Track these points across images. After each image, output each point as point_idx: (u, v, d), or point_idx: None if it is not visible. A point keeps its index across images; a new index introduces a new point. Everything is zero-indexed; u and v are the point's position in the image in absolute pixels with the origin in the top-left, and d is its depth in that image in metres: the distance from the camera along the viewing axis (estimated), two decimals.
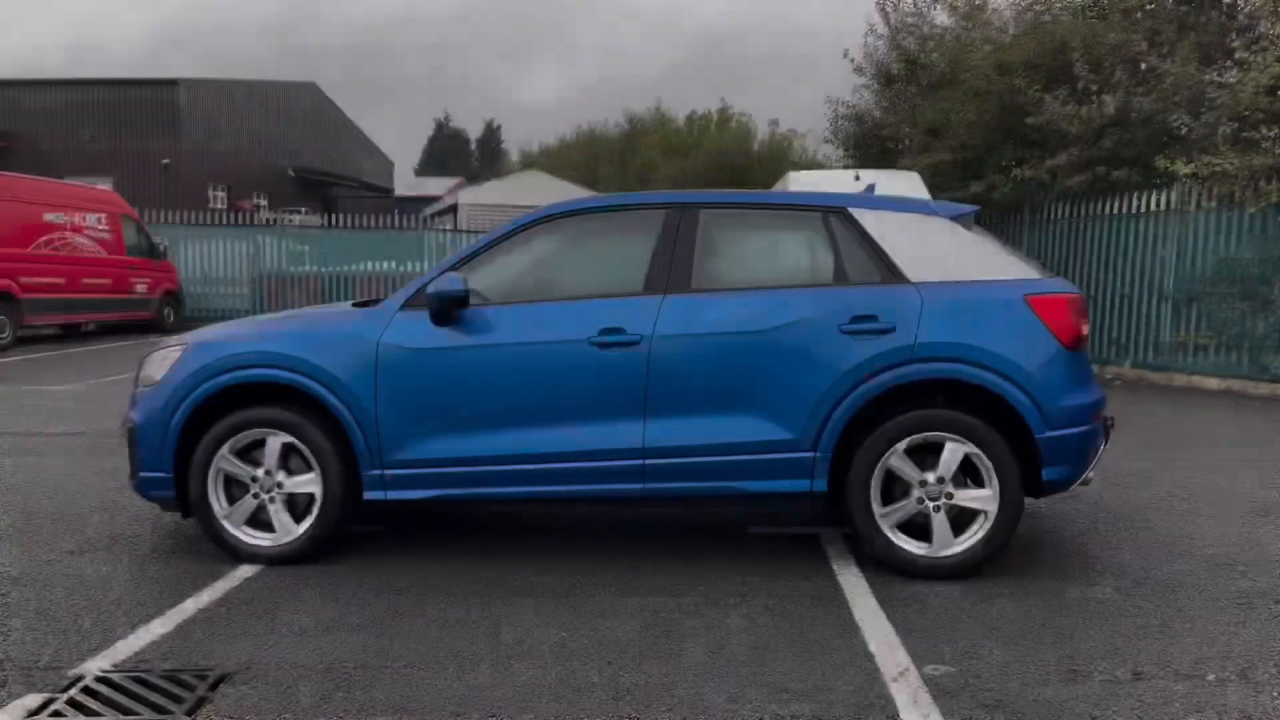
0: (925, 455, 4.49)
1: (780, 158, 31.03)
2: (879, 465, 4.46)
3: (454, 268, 4.71)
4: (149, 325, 19.03)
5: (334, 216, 22.07)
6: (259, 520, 4.68)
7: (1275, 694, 3.26)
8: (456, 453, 4.54)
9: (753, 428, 4.47)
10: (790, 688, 3.30)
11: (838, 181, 14.08)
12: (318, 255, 21.82)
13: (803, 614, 4.02)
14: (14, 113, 36.81)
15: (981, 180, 15.78)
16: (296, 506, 4.68)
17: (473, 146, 76.45)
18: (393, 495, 4.60)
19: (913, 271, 4.56)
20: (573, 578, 4.48)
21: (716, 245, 4.73)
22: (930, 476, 4.46)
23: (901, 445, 4.44)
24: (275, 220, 29.94)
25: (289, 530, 4.64)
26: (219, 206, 38.49)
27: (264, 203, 41.81)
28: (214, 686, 3.30)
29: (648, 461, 4.50)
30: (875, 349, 4.42)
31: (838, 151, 20.73)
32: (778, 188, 14.49)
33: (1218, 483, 6.47)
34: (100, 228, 17.73)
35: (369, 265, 21.36)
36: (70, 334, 18.45)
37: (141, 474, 4.70)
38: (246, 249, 21.42)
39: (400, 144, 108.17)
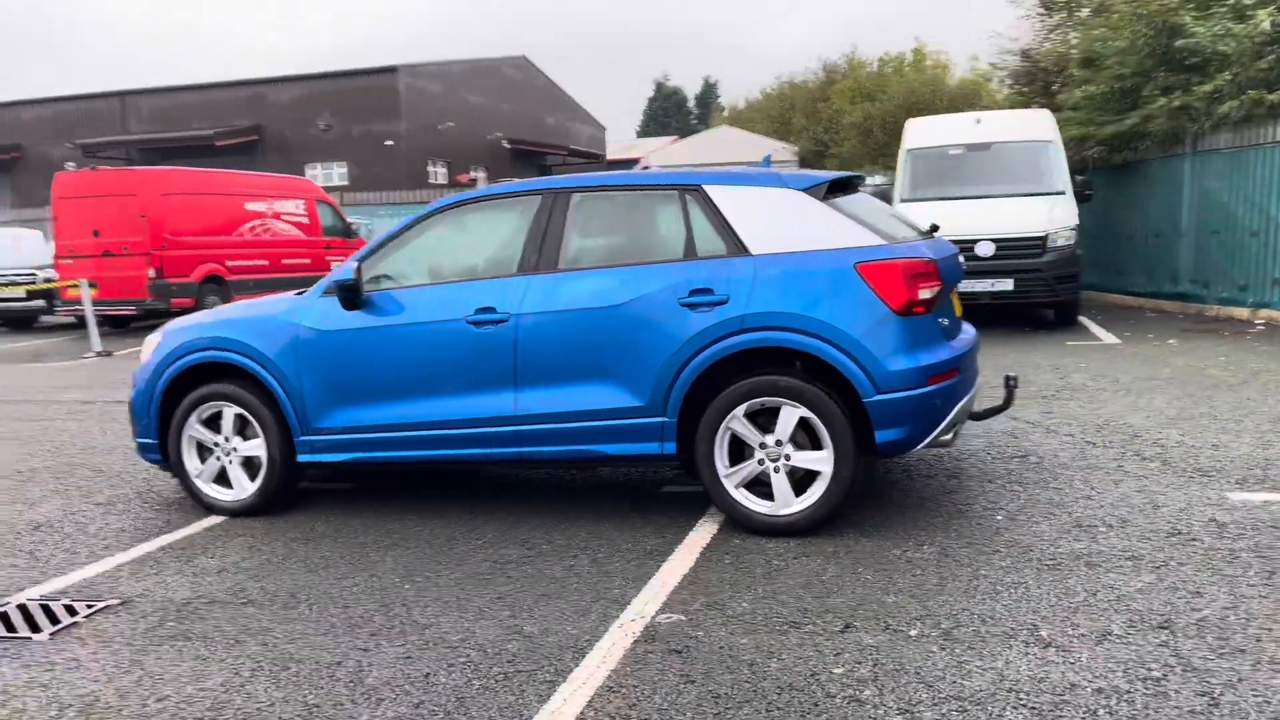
0: (771, 418, 4.72)
1: (973, 96, 29.60)
2: (721, 429, 4.73)
3: (367, 255, 5.36)
4: None
5: None
6: (224, 478, 5.57)
7: (957, 651, 3.37)
8: (362, 421, 5.22)
9: (607, 395, 4.86)
10: (525, 630, 3.75)
11: (956, 126, 13.66)
12: None
13: (619, 566, 4.41)
14: (263, 108, 41.01)
15: (1137, 111, 14.71)
16: (253, 467, 5.52)
17: (690, 104, 77.16)
18: (319, 458, 5.35)
19: (755, 244, 4.77)
20: (461, 529, 5.07)
21: (584, 226, 5.11)
22: (770, 439, 4.69)
23: (740, 410, 4.70)
24: None
25: (244, 487, 5.50)
26: (439, 182, 41.25)
27: (482, 175, 44.35)
28: (92, 613, 4.15)
29: (520, 428, 4.99)
30: (710, 320, 4.68)
31: (1002, 88, 19.73)
32: (904, 137, 14.15)
33: (1210, 440, 6.13)
34: (298, 213, 19.78)
35: None
36: None
37: (138, 440, 5.71)
38: None
39: (621, 107, 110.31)
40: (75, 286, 16.96)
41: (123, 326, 17.90)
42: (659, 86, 78.03)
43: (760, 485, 4.77)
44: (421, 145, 40.89)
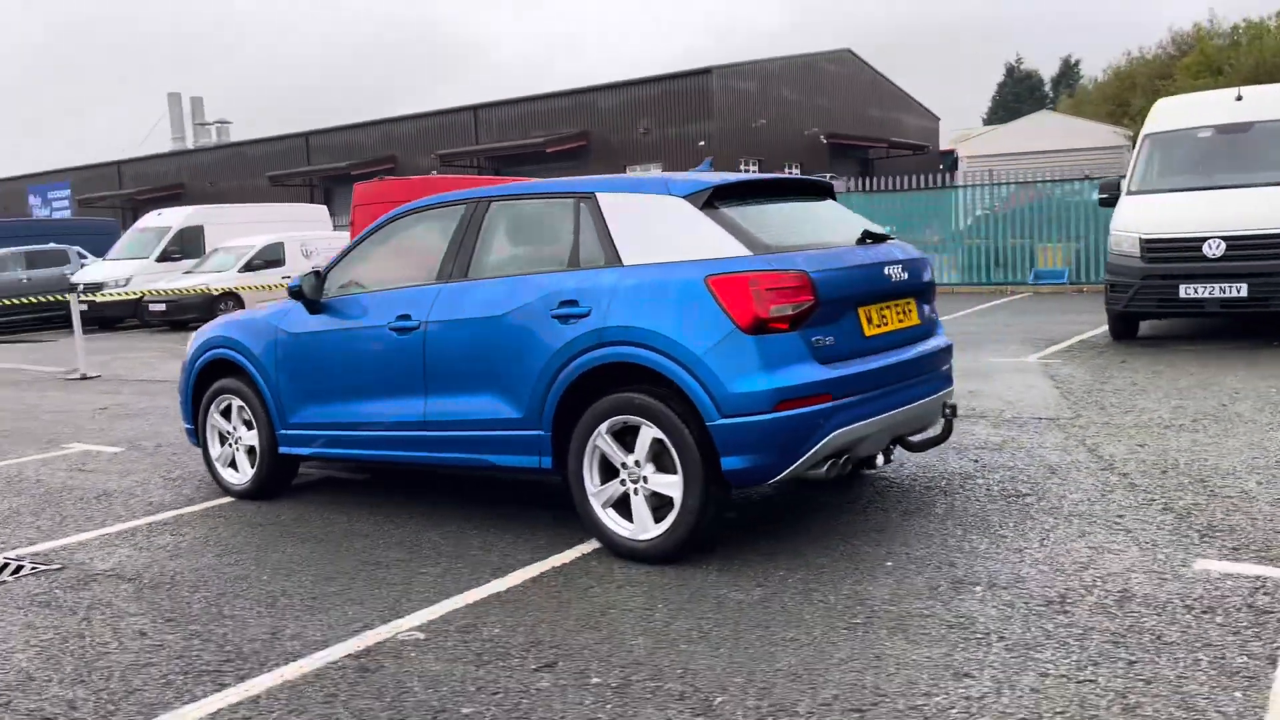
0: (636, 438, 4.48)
1: None
2: (589, 446, 4.56)
3: (337, 261, 5.71)
4: None
5: (869, 180, 21.80)
6: (236, 464, 6.18)
7: (608, 707, 3.06)
8: (317, 419, 5.59)
9: (494, 406, 4.85)
10: (286, 631, 3.88)
11: (1211, 105, 11.80)
12: None
13: (456, 578, 4.39)
14: (591, 114, 43.59)
15: None
16: (254, 455, 6.07)
17: (1046, 87, 71.58)
18: (293, 451, 5.78)
19: (629, 254, 4.55)
20: (387, 526, 5.25)
21: (495, 235, 5.12)
22: (631, 459, 4.46)
23: (603, 427, 4.50)
24: None
25: (245, 473, 6.07)
26: None
27: (795, 171, 44.22)
28: (28, 574, 4.82)
29: (426, 433, 5.11)
30: (574, 333, 4.53)
31: None
32: (1147, 120, 12.47)
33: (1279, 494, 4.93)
34: None
35: None
36: None
37: (184, 425, 6.48)
38: None
39: (971, 94, 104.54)
40: None
41: None
42: (1010, 70, 73.20)
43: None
44: (734, 144, 41.49)
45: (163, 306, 20.75)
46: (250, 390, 5.92)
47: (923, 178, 21.61)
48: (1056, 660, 3.22)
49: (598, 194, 4.77)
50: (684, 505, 4.30)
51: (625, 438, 4.50)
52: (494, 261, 5.07)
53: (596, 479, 4.58)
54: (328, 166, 47.90)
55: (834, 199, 5.37)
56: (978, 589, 3.89)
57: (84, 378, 12.65)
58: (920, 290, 5.00)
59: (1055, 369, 9.37)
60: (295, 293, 5.51)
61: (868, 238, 4.83)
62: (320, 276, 5.58)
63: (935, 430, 5.00)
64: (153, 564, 4.87)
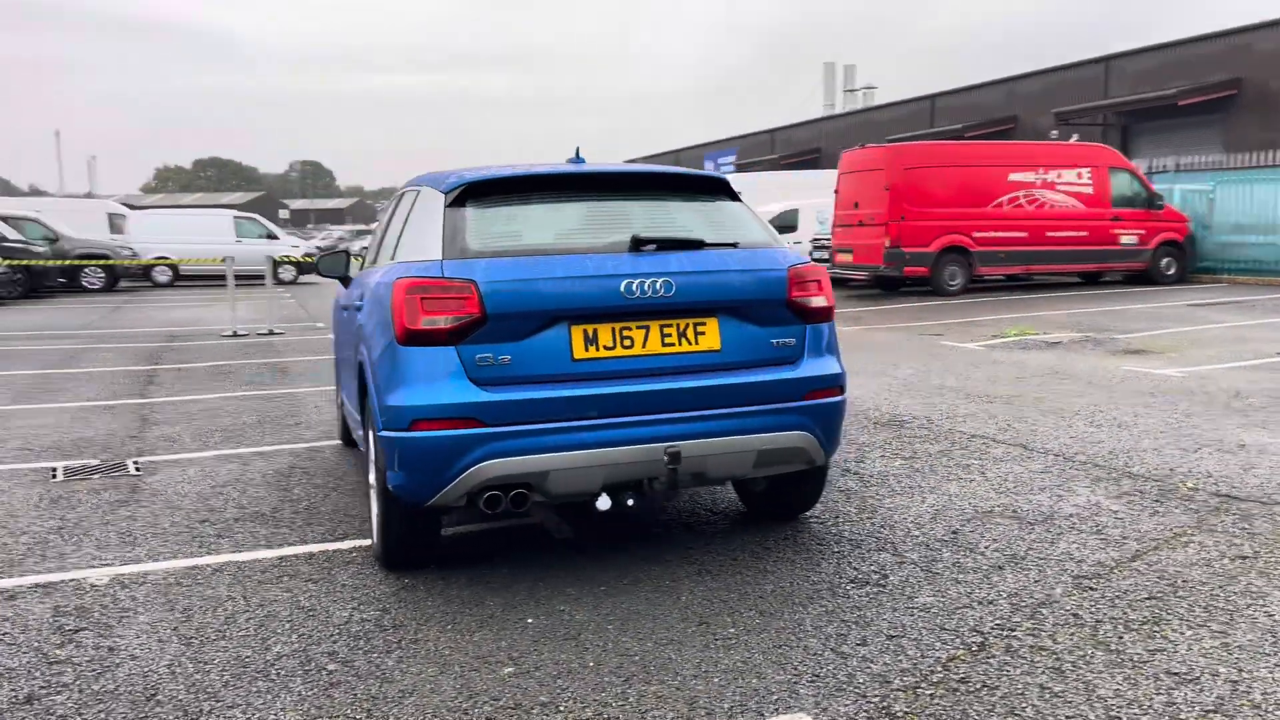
0: None
1: None
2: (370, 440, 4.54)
3: (380, 237, 6.20)
4: (1142, 277, 18.97)
5: None
6: None
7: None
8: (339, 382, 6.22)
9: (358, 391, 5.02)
10: (69, 556, 4.60)
11: None
12: None
13: (231, 543, 4.75)
14: (1246, 58, 36.80)
15: None
16: None
17: None
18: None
19: (403, 250, 4.42)
20: (322, 499, 5.72)
21: (392, 225, 5.17)
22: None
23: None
24: None
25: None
26: None
27: None
28: (100, 475, 6.21)
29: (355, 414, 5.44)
30: (354, 326, 4.53)
31: None
32: None
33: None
34: (1080, 182, 18.45)
35: None
36: (1016, 283, 19.45)
37: None
38: None
39: None
40: (845, 251, 19.05)
41: (893, 289, 19.12)
42: None
43: None
44: None
45: None
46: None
47: None
48: None
49: (423, 188, 4.63)
50: (376, 515, 4.13)
51: None
52: (385, 252, 5.16)
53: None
54: (945, 129, 47.19)
55: (728, 199, 4.41)
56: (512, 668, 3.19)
57: None
58: (733, 308, 3.95)
59: None
60: (311, 267, 6.17)
61: (641, 244, 3.95)
62: (347, 255, 6.13)
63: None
64: (165, 484, 5.92)
